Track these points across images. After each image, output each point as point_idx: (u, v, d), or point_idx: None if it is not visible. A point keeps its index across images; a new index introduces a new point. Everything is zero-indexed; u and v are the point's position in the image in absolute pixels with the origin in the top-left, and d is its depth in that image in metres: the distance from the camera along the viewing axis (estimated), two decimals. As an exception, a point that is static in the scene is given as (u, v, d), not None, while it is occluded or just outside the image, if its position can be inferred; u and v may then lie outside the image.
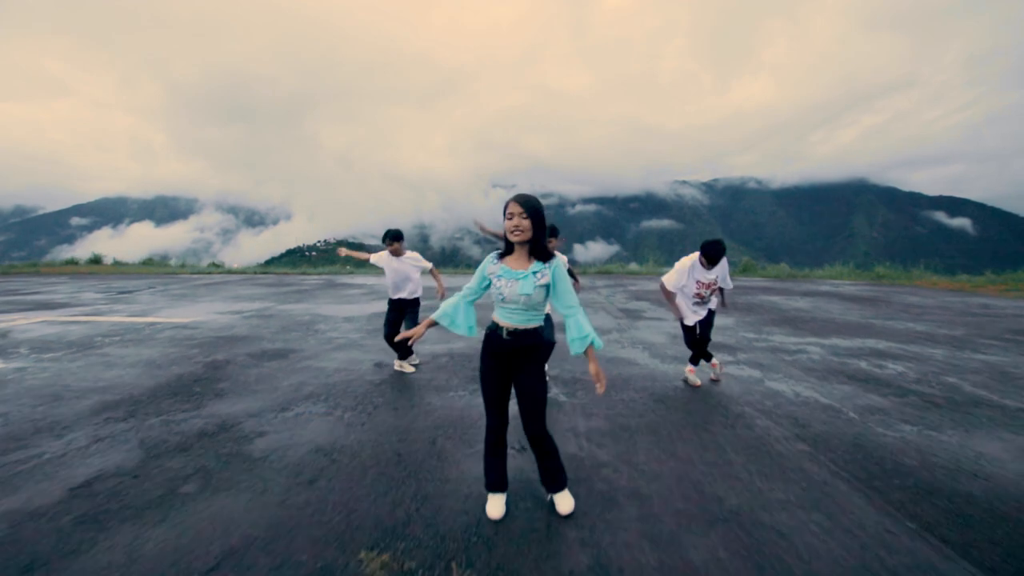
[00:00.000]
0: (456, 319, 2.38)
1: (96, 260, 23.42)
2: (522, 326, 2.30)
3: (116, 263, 23.33)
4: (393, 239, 4.85)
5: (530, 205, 2.20)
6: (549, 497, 2.49)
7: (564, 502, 2.42)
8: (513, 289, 2.24)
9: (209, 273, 18.96)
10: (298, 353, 5.68)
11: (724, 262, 4.36)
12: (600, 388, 2.24)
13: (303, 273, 18.83)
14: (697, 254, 4.31)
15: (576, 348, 2.26)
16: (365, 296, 11.28)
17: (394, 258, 4.93)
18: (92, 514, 2.40)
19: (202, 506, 2.47)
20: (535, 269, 2.26)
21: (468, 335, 2.41)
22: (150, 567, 2.03)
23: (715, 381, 4.71)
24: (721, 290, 4.60)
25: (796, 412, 3.86)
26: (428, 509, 2.44)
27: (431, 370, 4.97)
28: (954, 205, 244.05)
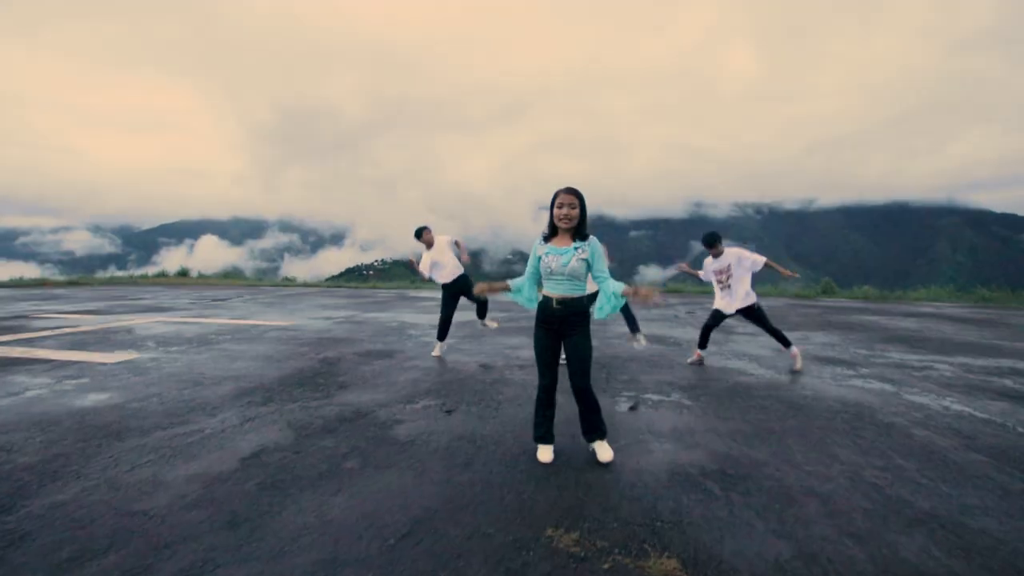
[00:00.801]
0: (522, 290, 2.88)
1: (183, 273, 25.30)
2: (568, 295, 2.72)
3: (200, 275, 25.09)
4: (422, 233, 5.70)
5: (580, 196, 2.68)
6: (591, 447, 2.84)
7: (604, 451, 2.77)
8: (558, 262, 2.68)
9: (286, 285, 20.01)
10: (402, 354, 5.82)
11: (737, 249, 5.09)
12: (652, 298, 2.49)
13: (374, 287, 19.51)
14: (709, 256, 5.24)
15: (601, 313, 2.77)
16: (439, 307, 11.49)
17: (431, 249, 5.64)
18: (270, 482, 2.50)
19: (370, 480, 2.52)
20: (576, 246, 2.70)
21: (528, 306, 2.89)
22: (346, 529, 2.07)
23: (795, 372, 5.13)
24: (769, 266, 5.14)
25: (954, 424, 3.53)
26: (596, 495, 2.38)
27: (536, 373, 4.93)
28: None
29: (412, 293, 16.67)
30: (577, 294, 2.74)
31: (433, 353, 5.74)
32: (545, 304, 2.78)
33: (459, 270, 5.78)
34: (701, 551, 1.94)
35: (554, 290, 2.74)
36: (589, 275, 2.79)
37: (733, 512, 2.24)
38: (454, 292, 5.78)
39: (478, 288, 2.90)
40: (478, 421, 3.45)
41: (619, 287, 2.65)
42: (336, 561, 1.87)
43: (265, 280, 23.36)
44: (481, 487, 2.45)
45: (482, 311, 6.15)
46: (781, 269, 5.17)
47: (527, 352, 6.00)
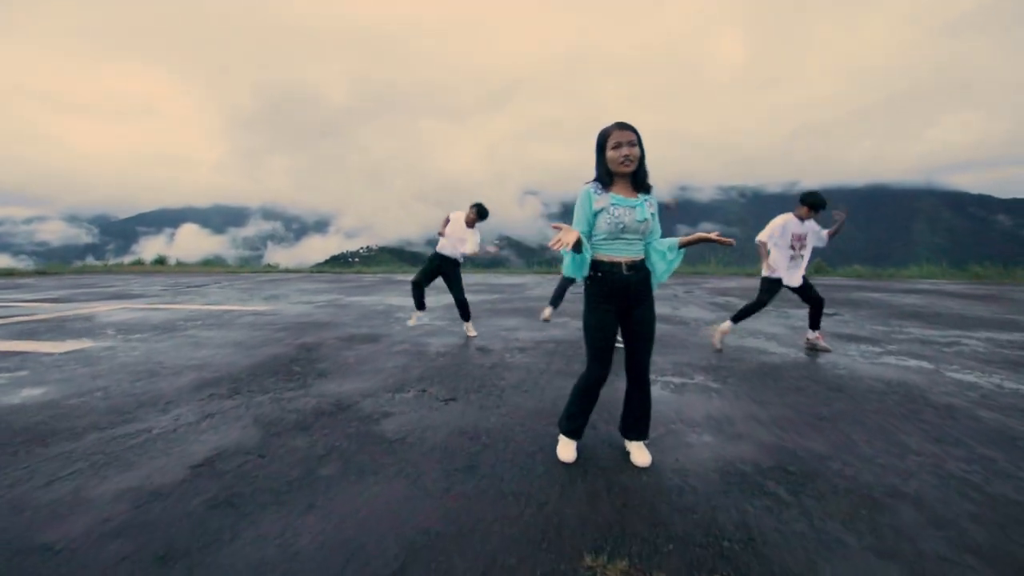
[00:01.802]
0: (586, 255, 2.16)
1: (161, 261, 24.28)
2: (637, 258, 2.19)
3: (179, 263, 24.11)
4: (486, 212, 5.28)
5: (637, 131, 2.09)
6: (626, 446, 2.35)
7: (642, 454, 2.28)
8: (632, 216, 2.11)
9: (267, 272, 19.22)
10: (389, 337, 5.28)
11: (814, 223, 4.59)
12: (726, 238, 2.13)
13: (359, 272, 18.81)
14: (789, 214, 4.57)
15: (671, 266, 2.23)
16: (430, 290, 10.93)
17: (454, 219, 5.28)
18: (224, 497, 1.97)
19: (352, 492, 2.01)
20: (644, 198, 2.17)
21: (579, 274, 2.20)
22: (317, 565, 1.56)
23: (820, 350, 4.68)
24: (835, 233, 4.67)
25: (1020, 404, 3.12)
26: (638, 505, 1.90)
27: (540, 356, 4.44)
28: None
29: (399, 277, 16.02)
30: (642, 256, 2.21)
31: (409, 323, 5.39)
32: (611, 272, 2.15)
33: (455, 253, 5.36)
34: (793, 583, 1.46)
35: (624, 252, 2.15)
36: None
37: (814, 524, 1.77)
38: (438, 270, 5.43)
39: (569, 236, 1.97)
40: (480, 412, 2.95)
41: (674, 241, 2.21)
42: (303, 614, 1.36)
43: (247, 267, 22.46)
44: (492, 498, 1.95)
45: (466, 312, 5.40)
46: (835, 223, 4.69)
47: (525, 334, 5.50)
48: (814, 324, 4.73)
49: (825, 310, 7.70)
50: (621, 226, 2.11)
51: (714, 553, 1.60)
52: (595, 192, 2.15)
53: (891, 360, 4.34)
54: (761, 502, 1.92)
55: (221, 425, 2.75)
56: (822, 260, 19.90)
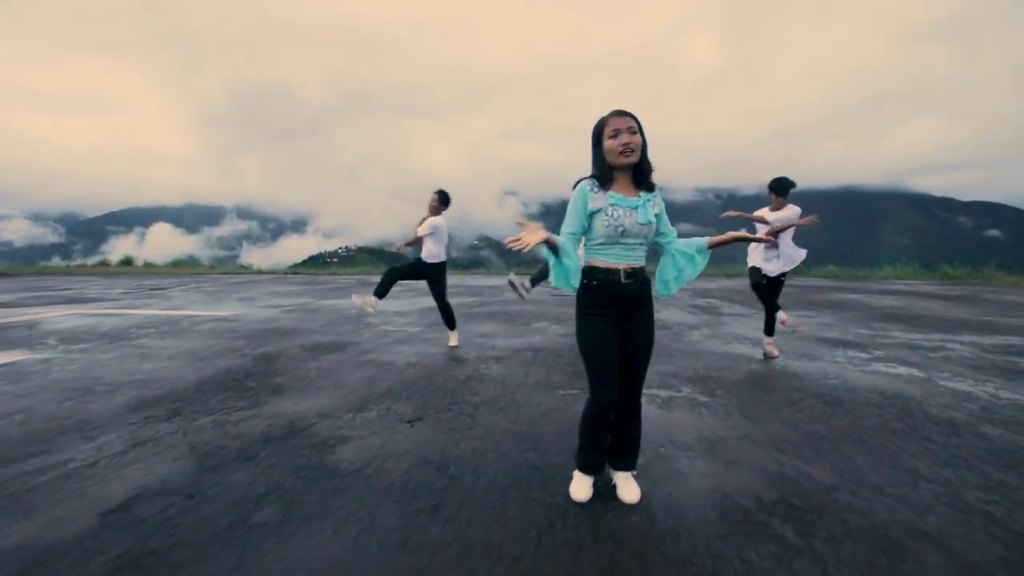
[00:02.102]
0: (571, 256, 1.84)
1: (127, 262, 23.33)
2: (638, 265, 1.92)
3: (147, 264, 23.18)
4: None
5: (637, 118, 1.83)
6: (612, 481, 2.07)
7: (631, 488, 2.00)
8: (633, 218, 1.85)
9: (239, 273, 18.54)
10: (356, 346, 4.93)
11: (795, 207, 4.18)
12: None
13: (334, 273, 18.27)
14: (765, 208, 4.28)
15: (692, 272, 1.99)
16: (406, 292, 10.57)
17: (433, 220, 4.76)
18: (134, 555, 1.64)
19: (290, 545, 1.69)
20: (647, 197, 1.90)
21: (566, 285, 1.87)
22: (231, 656, 1.25)
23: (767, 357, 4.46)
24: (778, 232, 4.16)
25: (1022, 418, 2.95)
26: (630, 558, 1.62)
27: (518, 365, 4.16)
28: (987, 210, 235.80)
29: (375, 278, 15.58)
30: (643, 263, 1.95)
31: (354, 301, 4.75)
32: (608, 280, 1.89)
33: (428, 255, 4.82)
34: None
35: (622, 259, 1.89)
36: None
37: (830, 575, 1.53)
38: (420, 272, 4.89)
39: (522, 232, 1.69)
40: (449, 435, 2.65)
41: (703, 241, 1.97)
42: None
43: (218, 268, 21.68)
44: (457, 551, 1.65)
45: (450, 319, 4.98)
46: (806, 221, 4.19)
47: (503, 341, 5.22)
48: (769, 330, 4.51)
49: (807, 312, 7.63)
50: (621, 229, 1.84)
51: (719, 622, 1.34)
52: (592, 190, 1.87)
53: (881, 367, 4.18)
54: (767, 548, 1.66)
55: (151, 456, 2.39)
56: (802, 266, 20.04)
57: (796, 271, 17.96)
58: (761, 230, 4.24)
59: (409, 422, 2.84)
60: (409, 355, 4.55)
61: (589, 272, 1.92)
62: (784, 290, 4.57)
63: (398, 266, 4.97)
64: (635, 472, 2.05)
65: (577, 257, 1.87)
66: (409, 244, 4.96)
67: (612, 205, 1.84)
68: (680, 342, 5.24)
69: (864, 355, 4.67)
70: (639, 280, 1.91)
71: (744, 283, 11.88)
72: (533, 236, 1.63)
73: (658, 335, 5.45)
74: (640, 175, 1.89)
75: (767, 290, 4.42)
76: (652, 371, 4.01)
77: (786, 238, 4.28)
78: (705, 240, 1.97)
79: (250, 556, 1.63)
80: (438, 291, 4.85)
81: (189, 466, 2.29)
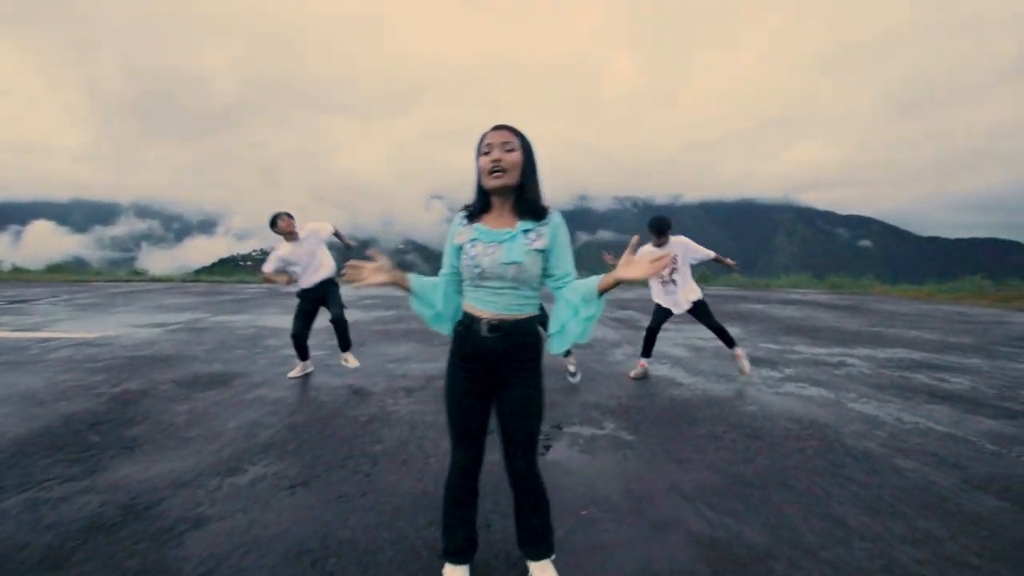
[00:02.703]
0: (434, 301, 1.64)
1: (-13, 265, 19.96)
2: (508, 315, 1.55)
3: (15, 268, 19.95)
4: (276, 221, 4.20)
5: (520, 133, 1.53)
6: (529, 568, 1.71)
7: None
8: (495, 257, 1.51)
9: (128, 281, 16.43)
10: (244, 378, 4.28)
11: (681, 238, 4.30)
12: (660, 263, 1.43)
13: (240, 282, 16.72)
14: (648, 244, 4.28)
15: (580, 327, 1.55)
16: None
17: (292, 242, 4.19)
18: None
19: None
20: (525, 227, 1.54)
21: (435, 325, 1.67)
22: None
23: (741, 372, 4.47)
24: (717, 261, 4.39)
25: (926, 445, 3.00)
26: None
27: (430, 398, 3.76)
28: (861, 223, 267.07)
29: (286, 288, 14.41)
30: (524, 313, 1.58)
31: (292, 374, 4.36)
32: (468, 328, 1.59)
33: (328, 272, 4.33)
34: None
35: (485, 305, 1.56)
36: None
37: None
38: (318, 296, 4.34)
39: (354, 271, 1.53)
40: (337, 506, 2.20)
41: (591, 286, 1.51)
42: None
43: (104, 274, 19.09)
44: None
45: (345, 339, 4.48)
46: (728, 261, 4.44)
47: (416, 366, 4.78)
48: (727, 342, 4.48)
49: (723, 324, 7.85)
50: (478, 269, 1.53)
51: None
52: (460, 222, 1.62)
53: (793, 388, 4.24)
54: (707, 658, 1.41)
55: (-92, 569, 1.74)
56: (706, 270, 21.29)
57: (704, 279, 18.95)
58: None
59: (290, 488, 2.36)
60: (306, 389, 3.99)
61: (462, 316, 1.63)
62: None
63: (300, 324, 4.33)
64: (553, 557, 1.73)
65: (435, 302, 1.63)
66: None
67: (474, 240, 1.56)
68: (602, 363, 5.08)
69: (776, 374, 4.75)
70: (507, 334, 1.55)
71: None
72: (375, 276, 1.46)
73: (581, 355, 5.21)
74: (522, 203, 1.56)
75: (701, 317, 4.42)
76: (574, 401, 3.77)
77: (687, 274, 4.33)
78: (594, 286, 1.51)
79: None
80: (334, 306, 4.40)
81: (-39, 584, 1.68)
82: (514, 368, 1.58)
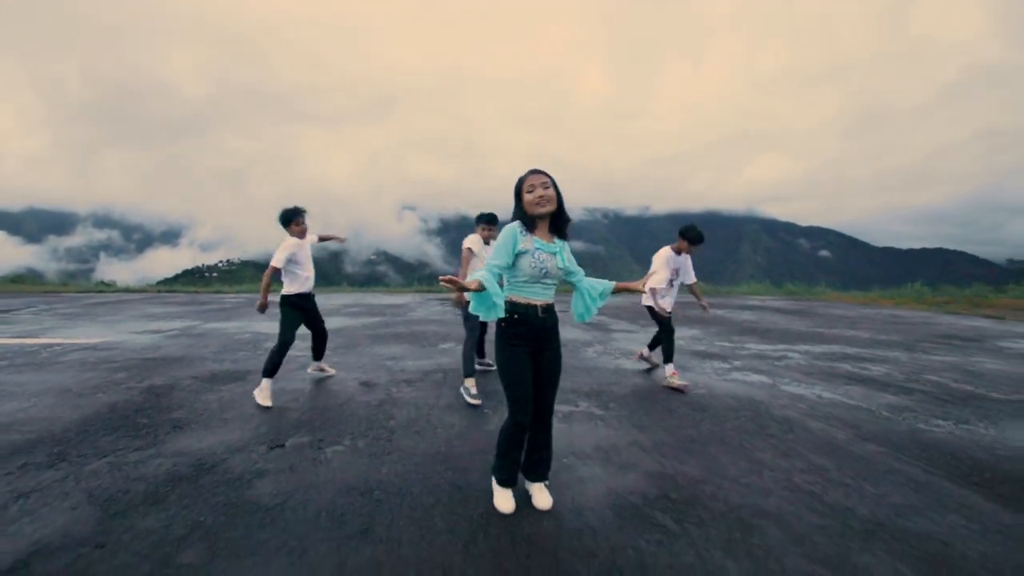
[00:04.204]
0: (496, 289, 2.07)
1: (-59, 278, 19.39)
2: (551, 301, 2.26)
3: (-30, 281, 19.43)
4: (295, 217, 4.12)
5: (552, 177, 2.17)
6: (529, 489, 2.37)
7: (543, 496, 2.29)
8: (554, 263, 2.18)
9: (101, 291, 16.32)
10: (258, 375, 4.73)
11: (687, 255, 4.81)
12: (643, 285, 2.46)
13: (218, 291, 16.81)
14: (669, 247, 4.75)
15: (597, 305, 2.39)
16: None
17: (304, 242, 4.19)
18: (49, 610, 1.59)
19: (223, 581, 1.74)
20: (562, 244, 2.26)
21: (490, 315, 2.12)
22: None
23: (654, 364, 5.31)
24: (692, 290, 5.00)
25: (836, 413, 3.75)
26: (542, 557, 1.90)
27: (429, 388, 4.33)
28: (820, 234, 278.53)
29: (269, 298, 14.62)
30: (554, 300, 2.28)
31: (261, 401, 3.79)
32: (528, 314, 2.17)
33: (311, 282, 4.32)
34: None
35: (542, 296, 2.20)
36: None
37: (700, 553, 1.93)
38: (307, 308, 4.31)
39: (458, 296, 2.10)
40: (370, 461, 2.76)
41: (609, 286, 2.40)
42: None
43: (73, 285, 18.83)
44: (391, 567, 1.82)
45: (321, 347, 4.57)
46: (702, 301, 5.04)
47: (412, 363, 5.34)
48: (653, 345, 5.20)
49: (684, 328, 8.62)
50: (544, 271, 2.14)
51: (617, 599, 1.66)
52: (521, 232, 2.16)
53: (738, 376, 4.97)
54: (653, 536, 2.04)
55: (41, 508, 2.23)
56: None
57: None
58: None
59: (326, 452, 2.90)
60: (318, 383, 4.50)
61: (510, 306, 2.18)
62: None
63: (287, 336, 4.13)
64: (548, 482, 2.35)
65: (501, 292, 2.11)
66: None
67: (538, 249, 2.14)
68: (577, 358, 5.73)
69: (726, 366, 5.49)
70: (552, 315, 2.25)
71: (631, 300, 12.98)
72: (462, 295, 1.97)
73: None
74: (558, 225, 2.23)
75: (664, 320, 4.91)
76: (554, 388, 4.40)
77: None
78: (611, 286, 2.39)
79: (183, 596, 1.66)
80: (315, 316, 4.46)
81: (90, 514, 2.17)
82: (551, 337, 2.25)
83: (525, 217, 2.19)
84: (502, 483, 2.30)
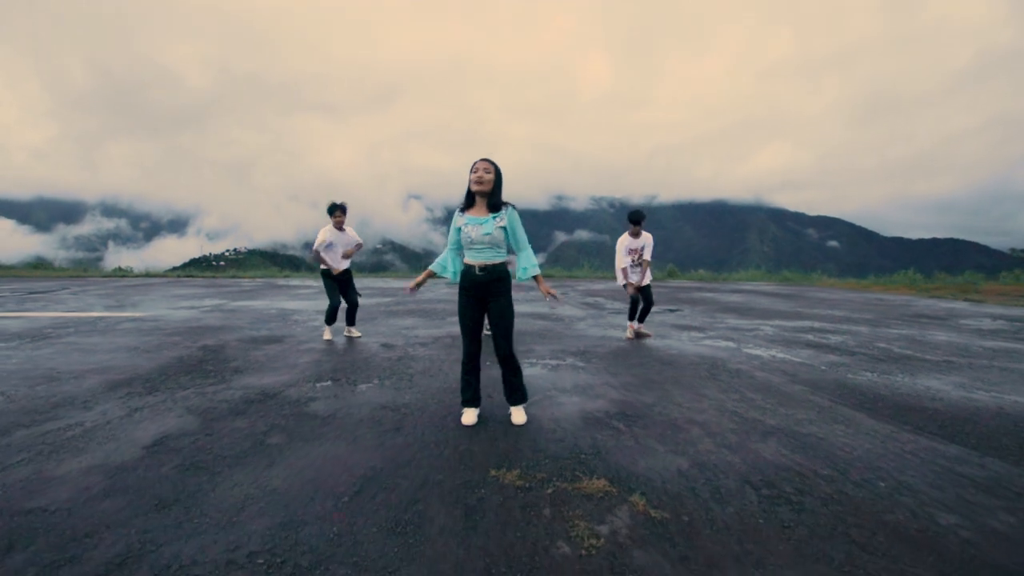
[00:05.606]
0: (447, 266, 2.95)
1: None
2: (490, 261, 2.82)
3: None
4: (343, 211, 5.39)
5: (496, 165, 2.82)
6: (509, 411, 3.03)
7: (519, 415, 2.96)
8: (479, 231, 2.77)
9: (121, 276, 17.21)
10: (293, 339, 5.54)
11: (649, 236, 5.74)
12: (558, 298, 3.18)
13: (234, 276, 17.68)
14: (627, 233, 5.74)
15: (526, 274, 2.94)
16: (319, 295, 10.94)
17: (340, 231, 5.47)
18: (190, 463, 2.36)
19: (302, 453, 2.50)
20: (493, 215, 2.80)
21: (453, 280, 2.94)
22: (293, 495, 2.08)
23: (643, 336, 5.99)
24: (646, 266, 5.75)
25: (782, 367, 4.48)
26: (526, 441, 2.66)
27: (440, 348, 5.09)
28: (829, 224, 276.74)
29: (281, 281, 15.46)
30: (499, 260, 2.83)
31: (325, 336, 5.57)
32: (468, 272, 2.85)
33: (349, 262, 5.72)
34: (622, 471, 2.32)
35: (476, 258, 2.81)
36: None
37: (638, 441, 2.68)
38: (342, 281, 5.66)
39: (412, 285, 2.93)
40: (396, 392, 3.53)
41: (535, 266, 2.94)
42: (294, 522, 1.89)
43: (93, 270, 19.77)
44: (418, 446, 2.58)
45: (355, 317, 5.82)
46: (644, 279, 5.78)
47: (425, 332, 6.10)
48: (641, 318, 5.95)
49: (671, 307, 9.35)
50: (470, 239, 2.79)
51: (576, 462, 2.42)
52: (458, 215, 2.88)
53: (708, 342, 5.70)
54: (606, 432, 2.79)
55: (155, 416, 3.00)
56: (674, 266, 23.01)
57: (672, 275, 20.56)
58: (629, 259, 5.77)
59: (361, 387, 3.67)
60: (345, 344, 5.28)
61: (464, 267, 2.90)
62: (657, 291, 5.94)
63: (336, 299, 5.57)
64: (524, 404, 3.07)
65: (453, 263, 2.94)
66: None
67: (467, 224, 2.81)
68: (569, 330, 6.48)
69: (700, 335, 6.22)
70: (491, 273, 2.81)
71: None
72: (415, 284, 2.86)
73: (554, 325, 6.68)
74: (491, 202, 2.81)
75: (643, 293, 5.80)
76: (546, 349, 5.15)
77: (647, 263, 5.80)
78: (532, 274, 2.93)
79: (277, 458, 2.43)
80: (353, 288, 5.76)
81: (193, 420, 2.95)
82: (492, 290, 2.84)
83: (469, 194, 2.83)
84: (463, 402, 2.98)
